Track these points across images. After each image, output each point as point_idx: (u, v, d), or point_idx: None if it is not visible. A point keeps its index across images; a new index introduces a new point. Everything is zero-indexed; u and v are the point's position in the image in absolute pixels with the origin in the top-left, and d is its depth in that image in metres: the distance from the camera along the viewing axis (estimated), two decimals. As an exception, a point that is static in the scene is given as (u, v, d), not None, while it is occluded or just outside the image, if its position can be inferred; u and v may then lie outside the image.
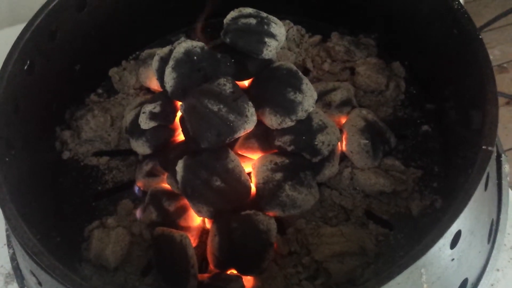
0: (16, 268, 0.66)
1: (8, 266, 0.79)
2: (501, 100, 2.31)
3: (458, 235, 0.50)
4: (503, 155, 0.66)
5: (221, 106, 0.59)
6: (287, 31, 0.81)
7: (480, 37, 0.58)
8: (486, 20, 0.79)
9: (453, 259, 0.51)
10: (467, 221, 0.51)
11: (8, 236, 0.70)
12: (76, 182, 0.73)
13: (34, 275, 0.52)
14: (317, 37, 0.82)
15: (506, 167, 0.66)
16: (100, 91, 0.81)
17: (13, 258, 0.68)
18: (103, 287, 0.60)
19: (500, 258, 0.64)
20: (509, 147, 2.00)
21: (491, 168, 0.56)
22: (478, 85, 0.56)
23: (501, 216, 0.64)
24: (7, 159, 0.57)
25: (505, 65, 2.27)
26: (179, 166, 0.60)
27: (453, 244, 0.50)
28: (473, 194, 0.48)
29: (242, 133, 0.60)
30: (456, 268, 0.53)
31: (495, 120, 0.52)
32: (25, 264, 0.54)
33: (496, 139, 0.56)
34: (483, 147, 0.51)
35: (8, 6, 1.10)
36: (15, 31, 0.69)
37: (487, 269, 0.61)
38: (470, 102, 0.59)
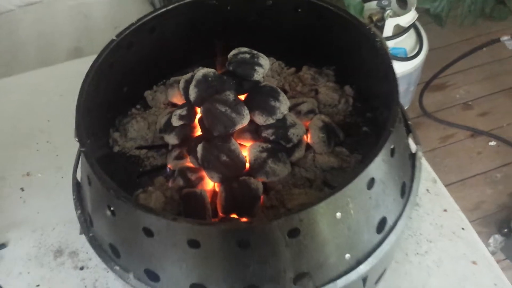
0: (83, 222, 0.80)
1: (57, 244, 0.96)
2: (466, 133, 2.28)
3: (372, 181, 0.62)
4: (418, 146, 0.78)
5: (227, 108, 0.71)
6: (271, 64, 0.92)
7: (392, 64, 0.74)
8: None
9: (370, 197, 0.63)
10: (378, 173, 0.63)
11: (77, 200, 0.83)
12: (124, 166, 0.84)
13: (109, 209, 0.68)
14: (292, 69, 0.92)
15: (419, 153, 0.82)
16: (138, 106, 0.92)
17: (80, 217, 0.78)
18: (163, 213, 0.65)
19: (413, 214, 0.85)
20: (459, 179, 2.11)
21: (398, 145, 0.69)
22: (391, 96, 0.69)
23: (414, 184, 0.76)
24: (89, 141, 0.68)
25: (470, 102, 2.40)
26: (199, 148, 0.72)
27: (369, 186, 0.62)
28: (379, 153, 0.61)
29: (240, 126, 0.72)
30: (375, 206, 0.64)
31: (395, 114, 0.67)
32: (103, 199, 0.67)
33: (413, 136, 0.76)
34: (388, 129, 0.65)
35: (73, 46, 1.40)
36: (76, 64, 0.93)
37: (403, 216, 0.72)
38: (386, 106, 0.69)
